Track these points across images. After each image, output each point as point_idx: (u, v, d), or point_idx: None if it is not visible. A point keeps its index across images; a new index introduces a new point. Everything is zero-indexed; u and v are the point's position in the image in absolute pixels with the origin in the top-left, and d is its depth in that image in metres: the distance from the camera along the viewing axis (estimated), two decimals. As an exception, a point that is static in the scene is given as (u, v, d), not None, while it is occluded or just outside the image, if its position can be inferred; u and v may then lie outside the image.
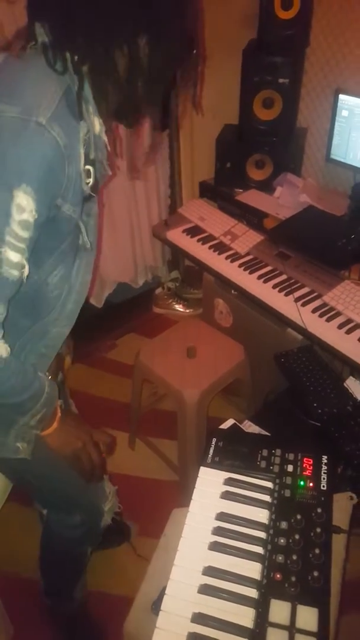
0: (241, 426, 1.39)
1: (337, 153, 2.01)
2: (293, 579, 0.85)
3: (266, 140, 2.12)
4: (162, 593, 0.88)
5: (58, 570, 1.53)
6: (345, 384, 1.61)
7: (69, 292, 1.00)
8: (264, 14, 1.90)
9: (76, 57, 0.80)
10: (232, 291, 2.00)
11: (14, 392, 0.91)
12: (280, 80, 1.98)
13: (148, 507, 1.88)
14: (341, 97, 1.90)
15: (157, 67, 0.84)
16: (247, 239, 1.97)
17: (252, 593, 0.85)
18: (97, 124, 0.87)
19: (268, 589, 0.85)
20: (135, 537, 1.80)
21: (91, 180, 0.89)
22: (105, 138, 0.91)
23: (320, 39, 2.07)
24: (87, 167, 0.87)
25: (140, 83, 0.85)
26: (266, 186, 2.20)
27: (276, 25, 1.91)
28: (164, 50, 0.83)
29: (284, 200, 2.10)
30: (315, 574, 0.86)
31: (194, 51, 0.89)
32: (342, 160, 2.00)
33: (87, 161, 0.87)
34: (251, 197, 2.17)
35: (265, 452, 1.06)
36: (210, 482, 1.01)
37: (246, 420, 1.47)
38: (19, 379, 0.91)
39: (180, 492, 1.91)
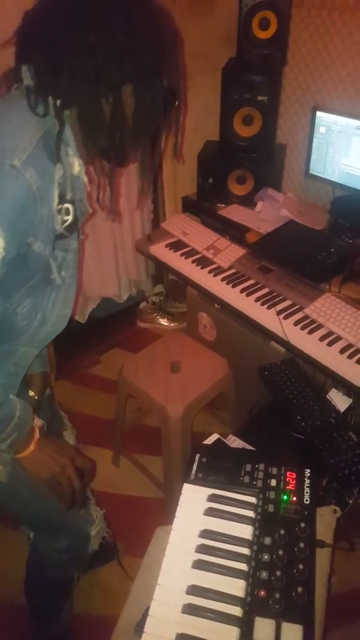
0: (225, 441, 1.39)
1: (315, 168, 2.05)
2: (277, 595, 0.84)
3: (247, 156, 2.16)
4: (145, 614, 0.86)
5: (44, 594, 1.50)
6: (328, 396, 1.62)
7: (42, 323, 1.00)
8: (242, 34, 1.95)
9: (58, 102, 0.82)
10: (216, 305, 2.01)
11: None
12: (259, 98, 2.02)
13: (134, 525, 1.85)
14: (318, 114, 1.94)
15: (140, 116, 0.87)
16: (230, 253, 1.98)
17: (237, 611, 0.84)
18: (77, 165, 0.90)
19: (252, 606, 0.84)
20: (121, 557, 1.77)
21: (70, 218, 0.91)
22: (84, 178, 0.93)
23: (298, 57, 2.12)
24: (66, 205, 0.89)
25: (124, 130, 0.87)
26: (247, 201, 2.22)
27: (254, 44, 1.96)
28: (147, 101, 0.86)
29: (265, 215, 2.12)
30: (300, 590, 0.85)
31: (176, 103, 0.92)
32: (321, 175, 2.04)
33: (64, 200, 0.89)
34: (233, 212, 2.19)
35: (248, 467, 1.05)
36: (193, 499, 1.01)
37: (230, 435, 1.46)
38: None
39: (166, 510, 1.90)
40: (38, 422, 1.03)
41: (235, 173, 2.21)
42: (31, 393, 1.20)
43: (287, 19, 1.94)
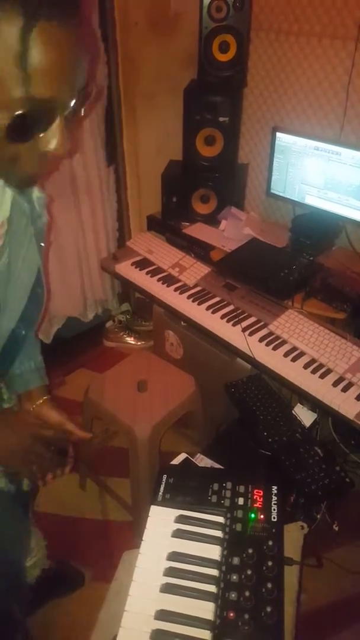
0: (193, 460, 1.37)
1: (276, 188, 2.09)
2: (246, 616, 0.83)
3: (210, 176, 2.19)
4: (113, 643, 0.84)
5: None
6: (293, 412, 1.63)
7: None
8: (203, 56, 1.99)
9: None
10: (182, 323, 2.01)
11: None
12: (221, 119, 2.06)
13: (102, 550, 1.81)
14: (278, 134, 1.99)
15: None
16: (195, 271, 2.00)
17: (206, 635, 0.83)
18: None
19: (222, 629, 0.83)
20: (89, 583, 1.72)
21: None
22: None
23: (257, 80, 2.17)
24: None
25: None
26: (211, 219, 2.25)
27: (215, 66, 2.00)
28: None
29: (228, 233, 2.15)
30: (269, 609, 0.84)
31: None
32: (282, 194, 2.09)
33: None
34: (198, 230, 2.21)
35: (216, 486, 1.04)
36: (161, 521, 0.99)
37: (198, 454, 1.45)
38: None
39: (135, 533, 1.86)
40: None
41: (199, 192, 2.24)
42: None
43: (247, 43, 1.99)
